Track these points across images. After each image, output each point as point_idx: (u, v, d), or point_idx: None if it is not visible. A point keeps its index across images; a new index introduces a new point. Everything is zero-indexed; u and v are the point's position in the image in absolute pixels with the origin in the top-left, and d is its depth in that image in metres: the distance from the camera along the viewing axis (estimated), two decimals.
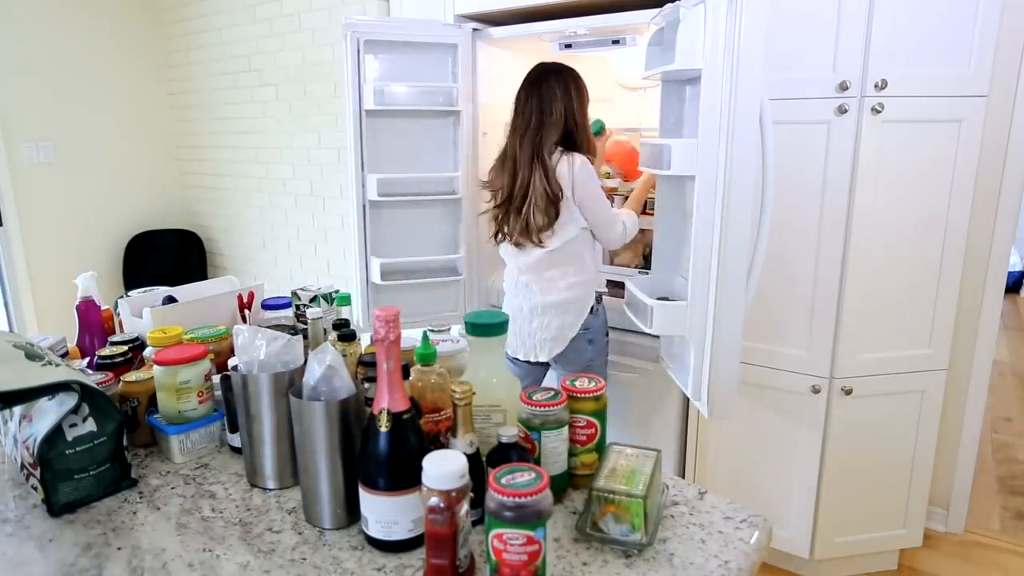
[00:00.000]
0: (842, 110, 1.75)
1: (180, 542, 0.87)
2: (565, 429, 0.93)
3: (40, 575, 0.82)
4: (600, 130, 2.13)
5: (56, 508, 0.94)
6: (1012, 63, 2.01)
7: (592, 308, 1.89)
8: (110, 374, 1.17)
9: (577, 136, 1.85)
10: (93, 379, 1.06)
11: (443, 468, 0.73)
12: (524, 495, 0.70)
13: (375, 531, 0.83)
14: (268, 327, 1.17)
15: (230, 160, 3.68)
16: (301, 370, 0.93)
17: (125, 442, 1.02)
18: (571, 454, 0.96)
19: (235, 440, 1.09)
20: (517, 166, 1.84)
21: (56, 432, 0.93)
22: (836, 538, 2.03)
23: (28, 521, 0.93)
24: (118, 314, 1.50)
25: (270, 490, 1.00)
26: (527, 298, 1.91)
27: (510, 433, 0.84)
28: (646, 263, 2.25)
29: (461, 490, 0.73)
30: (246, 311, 1.55)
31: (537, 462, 0.91)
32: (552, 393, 0.94)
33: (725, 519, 0.91)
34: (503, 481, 0.72)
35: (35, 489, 0.96)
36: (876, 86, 1.72)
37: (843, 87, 1.74)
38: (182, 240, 3.95)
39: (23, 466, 0.99)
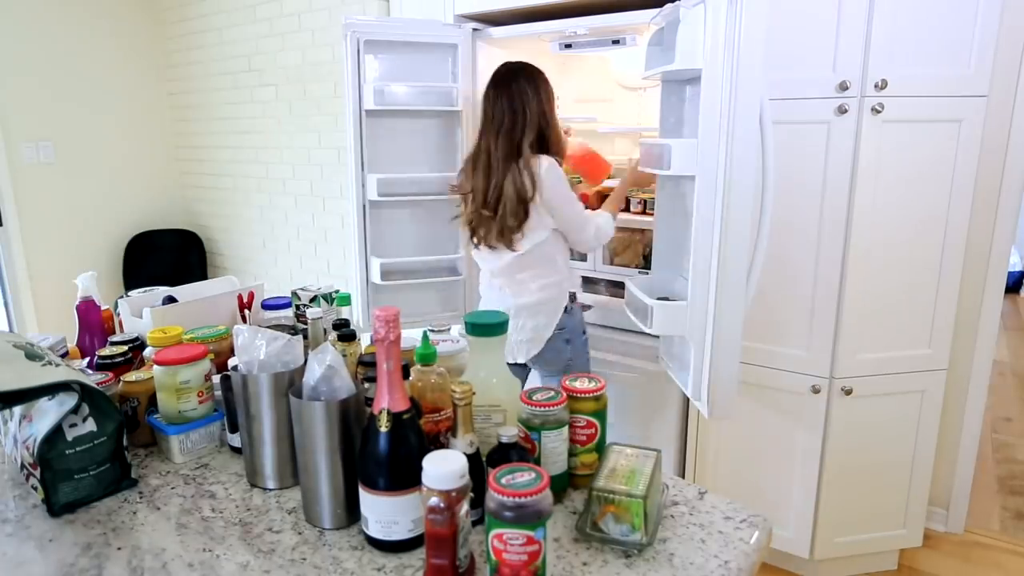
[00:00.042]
0: (842, 110, 1.75)
1: (180, 542, 0.87)
2: (565, 429, 0.93)
3: (40, 575, 0.82)
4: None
5: (56, 508, 0.94)
6: (1012, 63, 2.01)
7: (566, 307, 1.88)
8: (110, 374, 1.17)
9: (548, 134, 1.84)
10: (93, 379, 1.06)
11: (443, 468, 0.73)
12: (524, 495, 0.70)
13: (375, 531, 0.84)
14: (268, 327, 1.17)
15: (230, 160, 3.68)
16: (301, 370, 0.93)
17: (125, 442, 1.02)
18: (571, 454, 0.96)
19: (235, 440, 1.09)
20: (491, 166, 1.81)
21: (56, 432, 0.93)
22: (836, 538, 2.03)
23: (28, 521, 0.93)
24: (118, 314, 1.50)
25: (270, 490, 1.00)
26: (501, 301, 1.91)
27: (510, 433, 0.84)
28: (646, 263, 2.25)
29: (461, 490, 0.73)
30: (246, 311, 1.55)
31: (537, 462, 0.91)
32: (552, 393, 0.94)
33: (725, 519, 0.91)
34: (503, 481, 0.72)
35: (35, 489, 0.96)
36: (876, 86, 1.72)
37: (843, 87, 1.74)
38: (182, 240, 3.95)
39: (23, 466, 0.99)
